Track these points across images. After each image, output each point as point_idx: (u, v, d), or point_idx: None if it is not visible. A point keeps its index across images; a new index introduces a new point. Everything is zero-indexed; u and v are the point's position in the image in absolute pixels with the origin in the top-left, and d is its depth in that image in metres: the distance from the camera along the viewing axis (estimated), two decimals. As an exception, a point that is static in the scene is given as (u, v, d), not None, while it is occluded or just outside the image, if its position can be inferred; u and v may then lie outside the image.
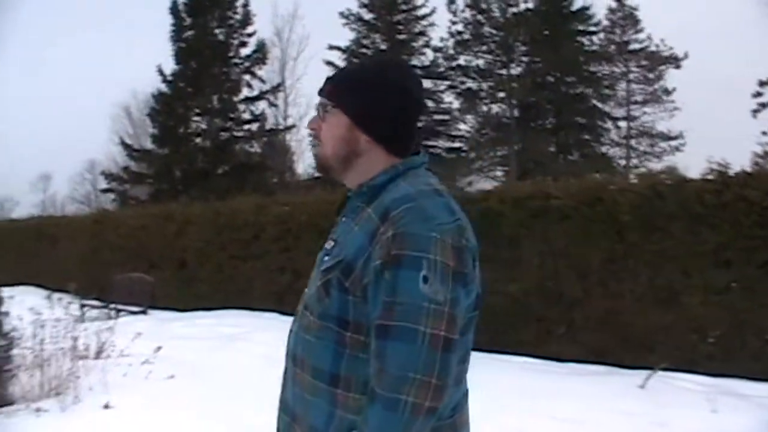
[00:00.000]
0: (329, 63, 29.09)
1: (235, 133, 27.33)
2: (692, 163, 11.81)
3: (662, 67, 32.43)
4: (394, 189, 1.58)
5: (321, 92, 1.74)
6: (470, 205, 9.20)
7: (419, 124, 1.79)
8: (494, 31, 28.90)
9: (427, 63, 29.61)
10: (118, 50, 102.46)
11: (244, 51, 27.17)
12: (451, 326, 1.45)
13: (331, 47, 29.32)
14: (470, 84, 29.42)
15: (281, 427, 1.73)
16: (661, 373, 6.51)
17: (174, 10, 26.60)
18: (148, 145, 32.29)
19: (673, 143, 32.53)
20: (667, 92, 32.68)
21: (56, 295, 15.61)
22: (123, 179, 27.35)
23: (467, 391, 1.69)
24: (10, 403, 6.05)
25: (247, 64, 27.09)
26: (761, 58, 33.27)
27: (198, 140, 27.07)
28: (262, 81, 27.10)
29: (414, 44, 29.55)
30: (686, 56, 31.46)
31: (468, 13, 29.12)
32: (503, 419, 5.11)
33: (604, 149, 31.09)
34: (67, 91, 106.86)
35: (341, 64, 29.43)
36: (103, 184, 55.78)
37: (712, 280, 7.34)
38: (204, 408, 5.69)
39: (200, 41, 26.12)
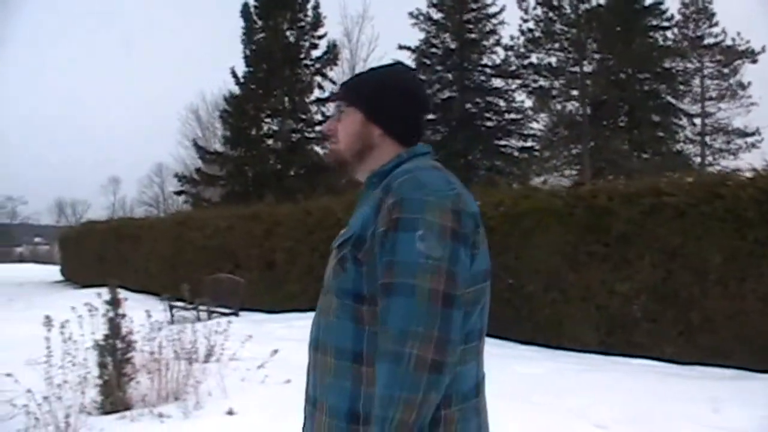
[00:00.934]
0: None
1: (307, 135, 27.35)
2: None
3: (738, 62, 31.69)
4: (398, 170, 1.67)
5: (335, 97, 1.93)
6: (578, 202, 9.02)
7: (425, 119, 1.90)
8: (566, 28, 28.48)
9: (498, 62, 29.30)
10: (186, 55, 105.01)
11: (315, 53, 27.22)
12: (451, 282, 1.49)
13: (401, 47, 29.23)
14: (542, 82, 29.03)
15: (306, 419, 1.76)
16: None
17: (245, 13, 26.83)
18: (217, 146, 32.69)
19: (750, 140, 31.80)
20: (743, 87, 31.93)
21: (139, 296, 15.88)
22: (195, 181, 27.60)
23: (484, 375, 1.73)
24: (128, 407, 6.01)
25: (318, 65, 27.12)
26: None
27: (270, 142, 27.26)
28: (333, 82, 27.03)
29: (484, 43, 29.21)
30: (763, 50, 30.67)
31: (539, 11, 28.77)
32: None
33: (678, 147, 30.38)
34: (135, 96, 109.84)
35: (411, 64, 29.31)
36: (171, 186, 57.59)
37: None
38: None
39: (271, 43, 26.23)
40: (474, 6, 29.26)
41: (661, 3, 28.47)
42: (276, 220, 13.53)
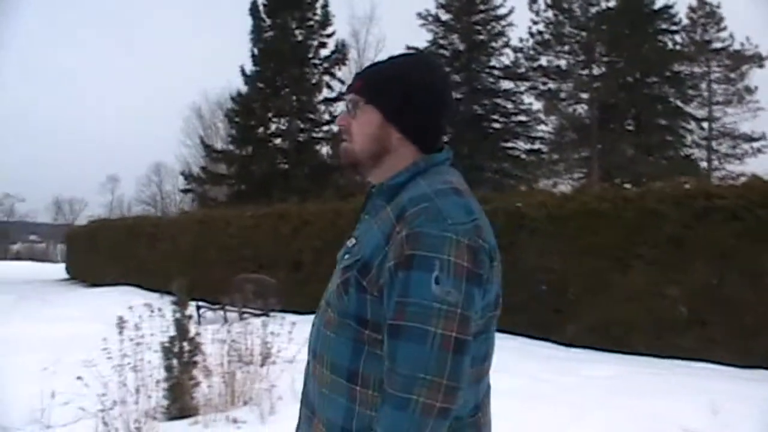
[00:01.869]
0: (407, 64, 28.83)
1: (315, 134, 27.27)
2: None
3: (745, 66, 31.70)
4: (413, 188, 1.57)
5: (350, 88, 1.74)
6: (625, 204, 8.94)
7: (447, 120, 1.76)
8: (576, 31, 28.44)
9: (506, 64, 29.24)
10: (186, 54, 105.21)
11: (324, 52, 27.11)
12: (463, 327, 1.43)
13: (409, 48, 29.01)
14: (551, 85, 28.98)
15: (302, 420, 1.74)
16: None
17: (254, 11, 26.71)
18: (219, 145, 32.54)
19: (756, 144, 31.84)
20: (750, 91, 31.96)
21: (158, 295, 15.73)
22: (202, 180, 27.45)
23: (489, 388, 1.68)
24: (196, 412, 5.88)
25: (326, 65, 27.03)
26: None
27: (277, 141, 27.14)
28: (342, 82, 26.91)
29: (493, 45, 29.15)
30: (772, 55, 30.70)
31: (550, 13, 28.72)
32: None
33: (685, 151, 30.39)
34: (134, 94, 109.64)
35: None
36: (170, 186, 57.53)
37: None
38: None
39: (280, 42, 26.14)
40: (483, 7, 29.23)
41: (670, 7, 28.48)
42: (304, 219, 13.40)
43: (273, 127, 27.07)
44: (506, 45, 29.20)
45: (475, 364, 1.53)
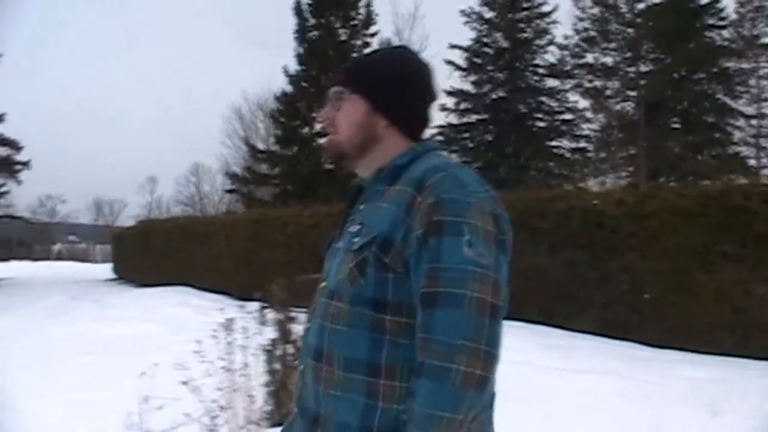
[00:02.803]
0: (450, 62, 28.70)
1: (360, 134, 27.16)
2: None
3: (796, 62, 31.11)
4: (423, 162, 1.57)
5: (333, 81, 1.75)
6: (709, 201, 8.72)
7: (430, 110, 1.75)
8: (622, 28, 28.08)
9: (550, 61, 28.94)
10: (224, 54, 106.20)
11: (368, 51, 26.94)
12: (497, 292, 1.41)
13: (453, 46, 28.89)
14: (597, 82, 28.63)
15: None
16: None
17: (297, 11, 26.68)
18: (259, 145, 32.59)
19: (806, 142, 31.22)
20: (800, 87, 31.37)
21: (214, 296, 15.72)
22: (247, 180, 27.46)
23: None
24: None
25: (370, 64, 26.87)
26: None
27: (322, 141, 27.03)
28: (386, 81, 26.77)
29: (538, 42, 28.86)
30: (821, 50, 30.10)
31: (596, 9, 28.36)
32: None
33: (734, 148, 29.85)
34: (170, 95, 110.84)
35: (463, 63, 29.04)
36: (207, 186, 57.91)
37: None
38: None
39: (324, 41, 26.08)
40: (527, 5, 28.91)
41: (717, 2, 27.98)
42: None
43: (318, 126, 27.01)
44: (551, 42, 28.86)
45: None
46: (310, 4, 26.70)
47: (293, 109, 26.32)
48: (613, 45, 28.20)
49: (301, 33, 26.69)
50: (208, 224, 18.84)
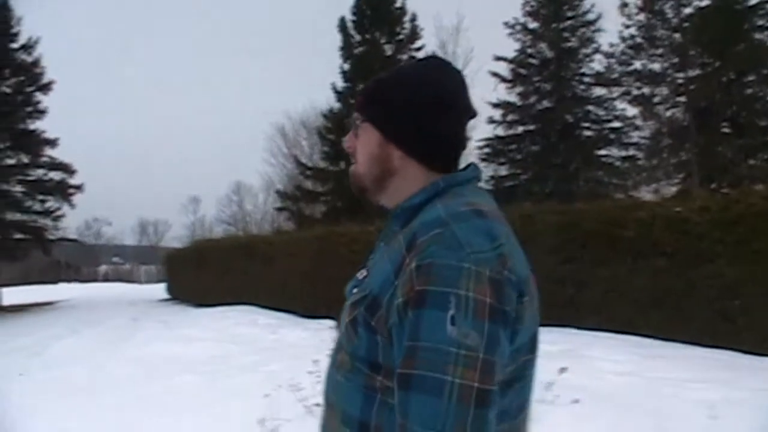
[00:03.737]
0: (495, 74, 28.69)
1: (408, 149, 27.19)
2: None
3: None
4: (428, 211, 1.38)
5: (356, 105, 1.58)
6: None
7: (461, 131, 1.53)
8: (668, 33, 27.81)
9: (597, 70, 28.74)
10: (261, 75, 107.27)
11: (396, 67, 26.98)
12: (487, 375, 1.21)
13: (497, 58, 28.86)
14: (644, 89, 28.37)
15: None
16: None
17: (342, 28, 26.89)
18: (305, 162, 32.76)
19: None
20: None
21: (279, 314, 15.76)
22: (296, 197, 27.60)
23: None
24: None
25: (416, 78, 26.93)
26: None
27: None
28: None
29: (584, 51, 28.71)
30: None
31: (641, 16, 28.13)
32: None
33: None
34: (211, 115, 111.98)
35: (508, 75, 28.99)
36: (250, 205, 58.32)
37: None
38: None
39: (370, 57, 26.18)
40: (571, 14, 28.83)
41: (766, 2, 27.62)
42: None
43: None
44: (596, 51, 28.68)
45: (505, 419, 1.33)
46: (354, 21, 26.89)
47: (340, 126, 26.44)
48: (660, 51, 27.91)
49: (347, 49, 26.92)
50: (270, 242, 18.86)
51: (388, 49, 26.89)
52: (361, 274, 1.50)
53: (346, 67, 26.87)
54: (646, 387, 6.41)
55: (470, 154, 29.45)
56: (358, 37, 26.94)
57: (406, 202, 1.47)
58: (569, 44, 28.91)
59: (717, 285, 8.93)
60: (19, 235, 28.41)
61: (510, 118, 29.09)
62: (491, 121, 28.67)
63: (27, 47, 28.31)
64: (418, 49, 27.07)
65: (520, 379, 1.38)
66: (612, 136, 28.88)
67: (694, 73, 27.79)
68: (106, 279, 60.34)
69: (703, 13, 26.93)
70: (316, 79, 33.14)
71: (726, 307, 8.89)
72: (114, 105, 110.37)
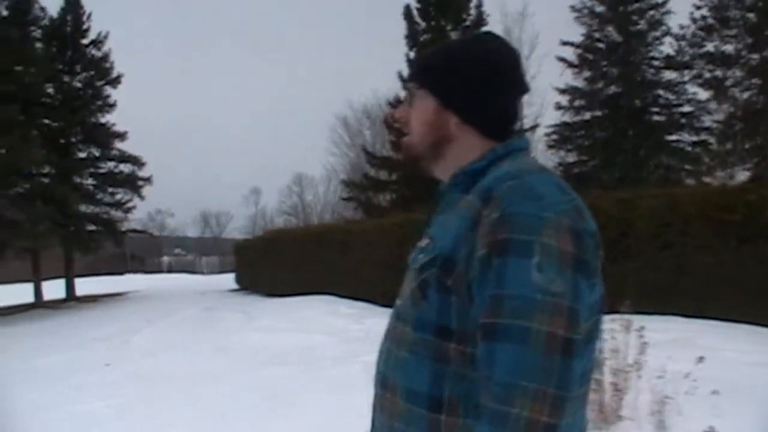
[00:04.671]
0: (562, 59, 28.25)
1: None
2: None
3: None
4: (497, 170, 1.39)
5: (409, 76, 1.61)
6: None
7: (515, 102, 1.54)
8: (742, 13, 27.08)
9: (666, 53, 28.12)
10: (321, 65, 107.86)
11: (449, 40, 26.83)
12: (572, 324, 1.20)
13: (564, 43, 28.40)
14: (717, 72, 27.69)
15: None
16: None
17: (407, 15, 26.77)
18: (362, 153, 32.80)
19: None
20: None
21: (360, 304, 15.72)
22: (364, 187, 27.57)
23: (587, 425, 1.37)
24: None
25: (482, 64, 26.73)
26: None
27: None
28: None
29: (655, 34, 28.11)
30: None
31: (714, -4, 27.45)
32: None
33: None
34: (270, 106, 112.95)
35: (575, 60, 28.54)
36: (310, 196, 58.66)
37: None
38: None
39: (436, 44, 25.93)
40: (639, -4, 28.25)
41: (844, -21, 26.76)
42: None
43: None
44: (666, 34, 28.04)
45: (582, 384, 1.29)
46: (419, 8, 26.73)
47: (407, 114, 26.35)
48: (733, 32, 27.19)
49: (412, 37, 26.81)
50: (347, 232, 18.83)
51: (454, 36, 26.62)
52: (424, 242, 1.47)
53: (412, 54, 26.69)
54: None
55: (538, 141, 29.24)
56: (423, 25, 26.83)
57: (468, 166, 1.46)
58: (637, 27, 28.34)
59: None
60: (91, 227, 28.90)
61: (577, 103, 28.65)
62: (559, 107, 28.33)
63: (97, 42, 28.83)
64: (486, 35, 26.79)
65: (591, 340, 1.33)
66: (683, 120, 28.24)
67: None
68: (170, 270, 61.24)
69: (777, -10, 26.19)
70: (378, 68, 33.14)
71: None
72: (174, 95, 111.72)
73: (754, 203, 9.29)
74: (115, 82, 28.89)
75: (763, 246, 9.16)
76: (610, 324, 5.78)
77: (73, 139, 28.67)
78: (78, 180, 28.68)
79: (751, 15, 26.71)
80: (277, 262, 22.00)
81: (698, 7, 27.07)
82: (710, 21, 27.17)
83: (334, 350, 10.46)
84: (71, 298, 27.43)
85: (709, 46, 27.24)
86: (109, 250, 35.67)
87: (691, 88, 28.13)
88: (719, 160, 27.06)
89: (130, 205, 29.40)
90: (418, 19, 26.82)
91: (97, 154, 29.28)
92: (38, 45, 27.14)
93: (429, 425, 1.34)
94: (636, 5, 28.34)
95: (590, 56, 28.68)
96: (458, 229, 1.34)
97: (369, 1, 78.11)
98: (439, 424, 1.33)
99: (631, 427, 5.30)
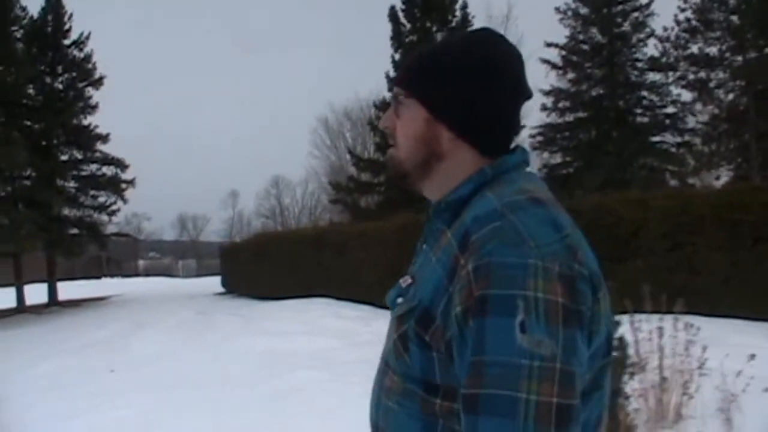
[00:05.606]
0: (546, 61, 28.36)
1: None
2: None
3: None
4: (479, 203, 1.20)
5: (396, 81, 1.38)
6: None
7: (516, 111, 1.33)
8: (725, 15, 27.33)
9: (649, 55, 28.32)
10: (301, 67, 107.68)
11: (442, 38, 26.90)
12: (566, 388, 1.04)
13: (548, 44, 28.50)
14: (701, 73, 27.91)
15: None
16: None
17: (392, 16, 26.76)
18: (346, 154, 32.77)
19: None
20: None
21: (360, 306, 15.60)
22: (350, 189, 27.50)
23: None
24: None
25: (468, 66, 26.78)
26: None
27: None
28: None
29: (639, 36, 28.28)
30: None
31: (698, -1, 27.70)
32: None
33: None
34: (248, 109, 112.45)
35: (559, 61, 28.65)
36: (288, 198, 58.52)
37: None
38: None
39: (421, 46, 25.93)
40: (622, -2, 28.42)
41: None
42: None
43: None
44: (650, 35, 28.23)
45: None
46: (404, 10, 26.72)
47: (393, 116, 26.32)
48: (717, 34, 27.44)
49: (397, 38, 26.83)
50: (343, 234, 18.71)
51: (439, 38, 26.66)
52: (404, 281, 1.32)
53: (397, 56, 26.69)
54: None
55: (523, 142, 29.22)
56: (408, 26, 26.80)
57: (450, 195, 1.29)
58: (621, 29, 28.52)
59: None
60: (74, 231, 28.57)
61: (562, 105, 28.80)
62: (543, 108, 28.43)
63: (78, 43, 28.51)
64: (470, 36, 26.84)
65: (598, 388, 1.20)
66: (667, 122, 28.45)
67: (752, 55, 27.31)
68: (147, 273, 60.81)
69: (759, -8, 26.43)
70: (359, 70, 33.05)
71: None
72: (151, 99, 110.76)
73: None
74: (98, 83, 28.60)
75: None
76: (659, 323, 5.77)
77: (56, 141, 28.28)
78: (61, 183, 28.32)
79: (734, 17, 27.02)
80: (266, 265, 21.82)
81: (682, 10, 27.33)
82: (694, 23, 27.42)
83: (352, 354, 10.32)
84: (54, 303, 27.04)
85: (693, 48, 27.51)
86: (90, 253, 35.27)
87: (675, 90, 28.43)
88: (703, 160, 27.29)
89: (113, 208, 29.03)
90: (403, 20, 26.80)
91: (79, 156, 28.91)
92: (19, 45, 26.72)
93: None
94: (620, 7, 28.53)
95: (574, 58, 28.84)
96: (437, 280, 1.19)
97: (351, 2, 78.02)
98: None
99: (695, 425, 5.26)
